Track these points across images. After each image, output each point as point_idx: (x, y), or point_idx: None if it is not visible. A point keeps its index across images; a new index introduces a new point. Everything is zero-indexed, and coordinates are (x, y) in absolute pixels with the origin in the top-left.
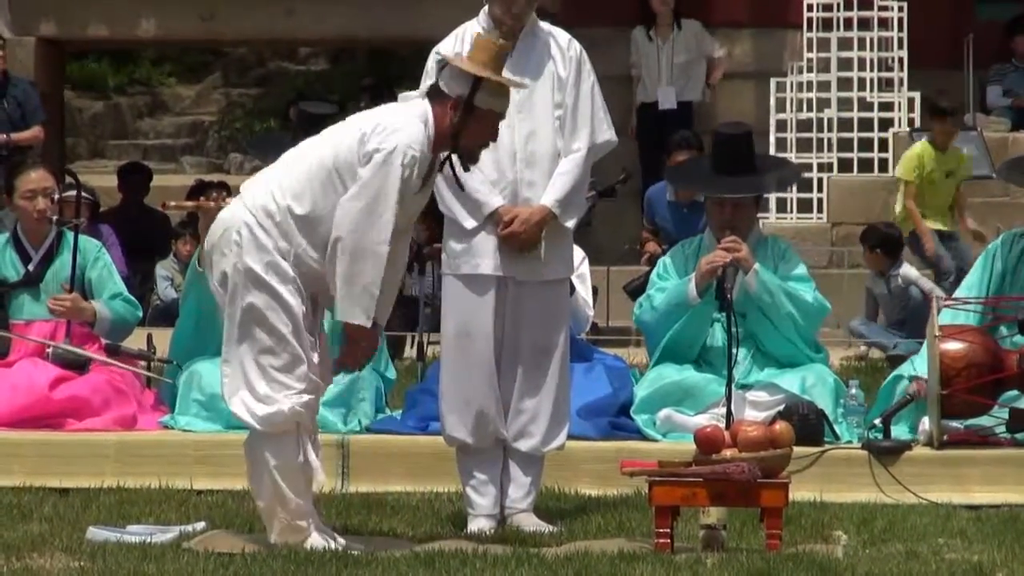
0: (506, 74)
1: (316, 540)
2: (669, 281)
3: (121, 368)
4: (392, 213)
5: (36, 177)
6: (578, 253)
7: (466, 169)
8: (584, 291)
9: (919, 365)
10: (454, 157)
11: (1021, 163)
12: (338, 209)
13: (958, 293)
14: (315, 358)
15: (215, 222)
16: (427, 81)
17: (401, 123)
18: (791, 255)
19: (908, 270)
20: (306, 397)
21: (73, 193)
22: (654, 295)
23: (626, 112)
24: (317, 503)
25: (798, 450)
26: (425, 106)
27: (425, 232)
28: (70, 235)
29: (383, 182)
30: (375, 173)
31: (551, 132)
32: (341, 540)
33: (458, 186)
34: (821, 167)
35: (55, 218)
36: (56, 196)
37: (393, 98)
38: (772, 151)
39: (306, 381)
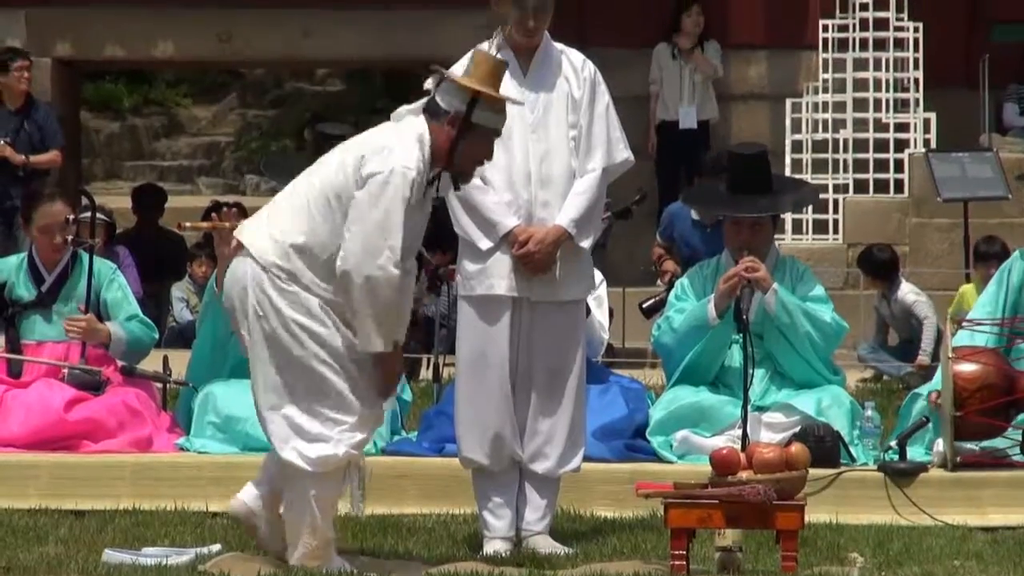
0: (515, 93)
1: (336, 563)
2: (688, 303)
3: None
4: (399, 236)
5: (54, 211)
6: (596, 276)
7: (457, 188)
8: (600, 314)
9: (936, 382)
10: (445, 175)
11: None
12: (344, 240)
13: (974, 312)
14: (363, 386)
15: (229, 279)
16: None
17: (396, 143)
18: (809, 276)
19: (906, 293)
20: (359, 436)
21: (89, 214)
22: (673, 317)
23: (643, 132)
24: (336, 526)
25: (814, 472)
26: (421, 124)
27: (440, 254)
28: (85, 256)
29: (386, 206)
30: (376, 198)
31: (566, 153)
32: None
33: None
34: (837, 188)
35: (70, 239)
36: (72, 218)
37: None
38: (788, 172)
39: (357, 416)
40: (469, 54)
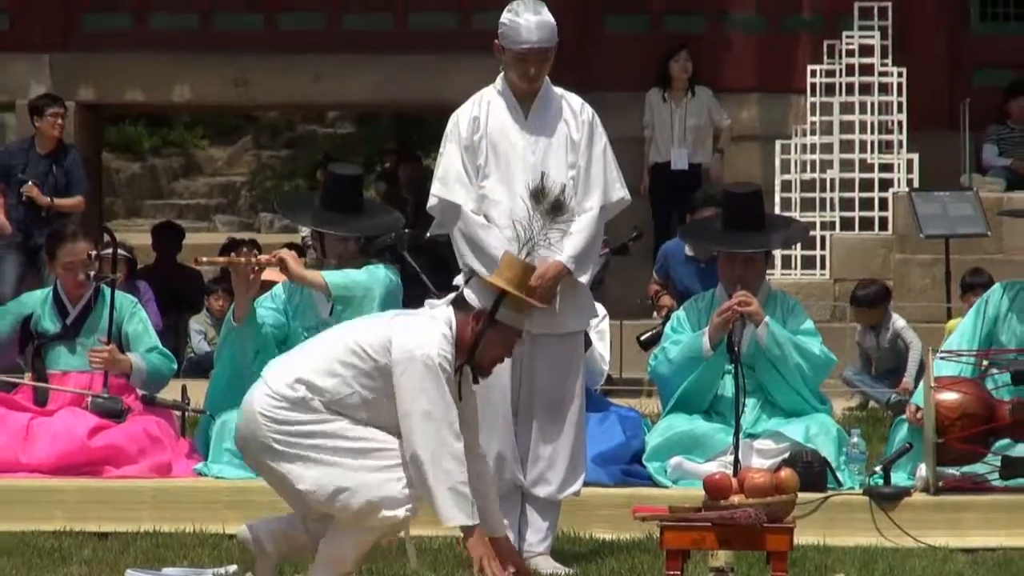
0: (517, 136)
1: None
2: (683, 334)
3: (158, 420)
4: (453, 416)
5: (77, 249)
6: (599, 310)
7: (475, 381)
8: (602, 347)
9: (916, 398)
10: (467, 368)
11: None
12: (401, 423)
13: (951, 341)
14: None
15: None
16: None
17: (426, 331)
18: (799, 310)
19: (895, 319)
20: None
21: (111, 251)
22: (669, 348)
23: (638, 172)
24: None
25: (802, 496)
26: (449, 313)
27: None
28: (107, 291)
29: (433, 392)
30: (420, 385)
31: (566, 192)
32: None
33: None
34: (824, 225)
35: (92, 273)
36: (94, 254)
37: (417, 160)
38: (777, 210)
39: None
40: (475, 97)
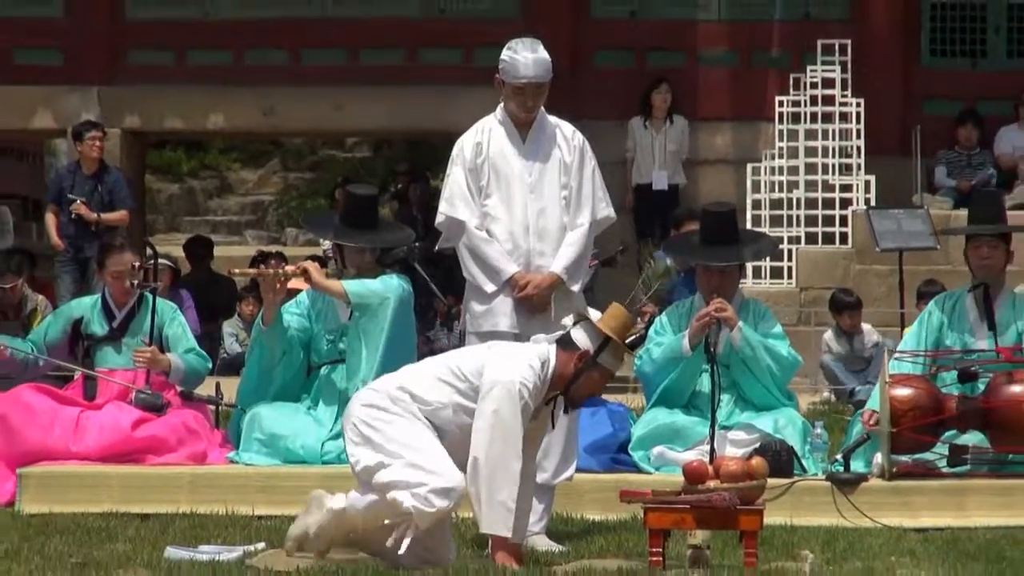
0: (516, 159)
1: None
2: (665, 337)
3: (195, 414)
4: (518, 439)
5: (124, 259)
6: (594, 315)
7: (565, 411)
8: None
9: (871, 403)
10: (560, 398)
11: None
12: (473, 434)
13: (902, 346)
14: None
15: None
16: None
17: (516, 361)
18: (769, 316)
19: (871, 331)
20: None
21: (153, 262)
22: (652, 349)
23: (623, 192)
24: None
25: (771, 481)
26: (548, 350)
27: (452, 296)
28: (149, 297)
29: (507, 412)
30: (498, 404)
31: (559, 209)
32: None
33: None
34: (790, 240)
35: (136, 282)
36: (138, 265)
37: (426, 181)
38: (749, 226)
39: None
40: (478, 125)
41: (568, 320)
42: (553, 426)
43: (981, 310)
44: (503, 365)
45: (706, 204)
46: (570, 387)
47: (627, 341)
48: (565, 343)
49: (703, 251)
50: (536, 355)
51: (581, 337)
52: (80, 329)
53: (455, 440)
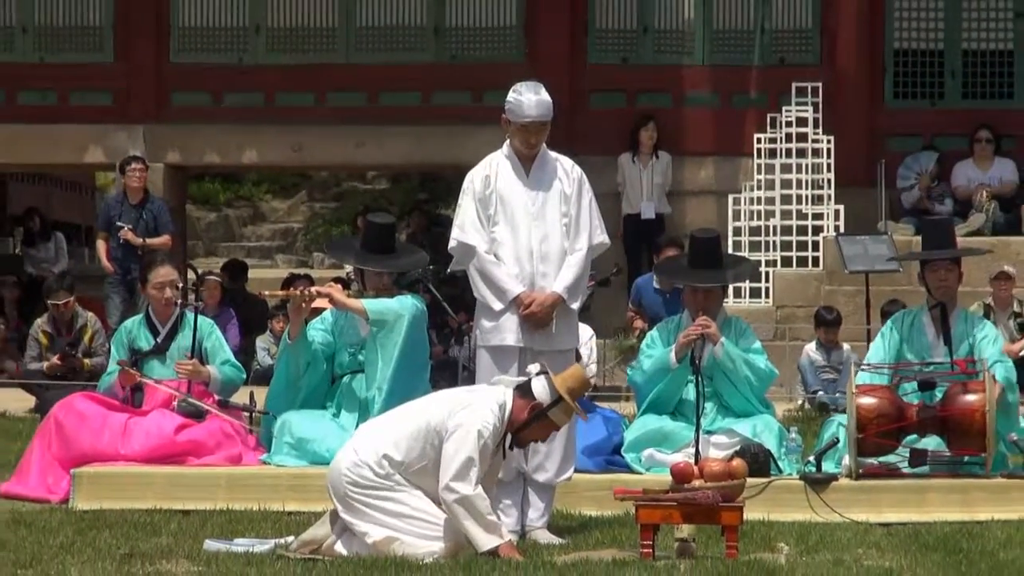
0: (521, 191)
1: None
2: (655, 350)
3: (231, 420)
4: (477, 470)
5: (164, 272)
6: (587, 331)
7: (511, 448)
8: (590, 361)
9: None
10: (508, 437)
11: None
12: (441, 471)
13: (867, 358)
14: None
15: (332, 468)
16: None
17: (479, 406)
18: (749, 332)
19: (845, 345)
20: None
21: (208, 278)
22: (643, 361)
23: (615, 221)
24: None
25: (750, 481)
26: (507, 394)
27: (463, 313)
28: (190, 315)
29: (467, 450)
30: (459, 444)
31: (560, 236)
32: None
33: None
34: (767, 263)
35: (180, 302)
36: (180, 285)
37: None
38: (730, 250)
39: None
40: (486, 159)
41: (533, 368)
42: (504, 456)
43: (939, 327)
44: (468, 413)
45: (694, 231)
46: (519, 431)
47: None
48: (524, 391)
49: (691, 273)
50: (496, 401)
51: (540, 389)
52: (130, 346)
53: (435, 482)
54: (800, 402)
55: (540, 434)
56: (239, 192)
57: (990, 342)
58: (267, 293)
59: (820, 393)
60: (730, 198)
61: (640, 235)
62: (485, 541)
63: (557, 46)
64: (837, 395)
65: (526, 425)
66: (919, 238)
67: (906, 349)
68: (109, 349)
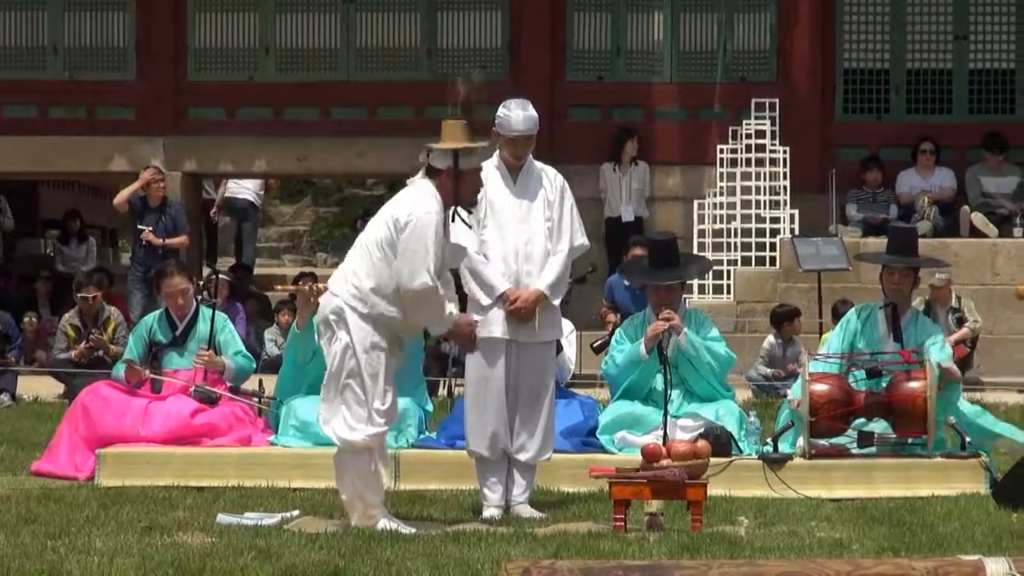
0: (509, 198)
1: (385, 524)
2: (625, 344)
3: (242, 402)
4: (434, 256)
5: (175, 283)
6: (569, 325)
7: (468, 212)
8: (571, 353)
9: (794, 390)
10: (460, 210)
11: None
12: (398, 267)
13: (826, 346)
14: (388, 400)
15: (320, 310)
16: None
17: (418, 199)
18: (708, 322)
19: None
20: (375, 430)
21: (221, 277)
22: (615, 354)
23: (595, 224)
24: (384, 499)
25: (714, 460)
26: (428, 184)
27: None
28: (205, 310)
29: (420, 238)
30: (413, 235)
31: (543, 238)
32: (406, 528)
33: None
34: (729, 262)
35: (199, 298)
36: (202, 283)
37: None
38: (696, 251)
39: (382, 417)
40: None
41: (423, 157)
42: (448, 226)
43: (890, 325)
44: (412, 204)
45: (651, 234)
46: (457, 197)
47: (593, 346)
48: (431, 172)
49: (651, 273)
50: (426, 190)
51: (438, 161)
52: (150, 339)
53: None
54: (757, 387)
55: (473, 184)
56: None
57: (938, 348)
58: (278, 288)
59: (780, 385)
60: (695, 203)
61: (620, 236)
62: (438, 328)
63: (539, 65)
64: (785, 382)
65: (456, 189)
66: (867, 240)
67: (859, 340)
68: (127, 341)
